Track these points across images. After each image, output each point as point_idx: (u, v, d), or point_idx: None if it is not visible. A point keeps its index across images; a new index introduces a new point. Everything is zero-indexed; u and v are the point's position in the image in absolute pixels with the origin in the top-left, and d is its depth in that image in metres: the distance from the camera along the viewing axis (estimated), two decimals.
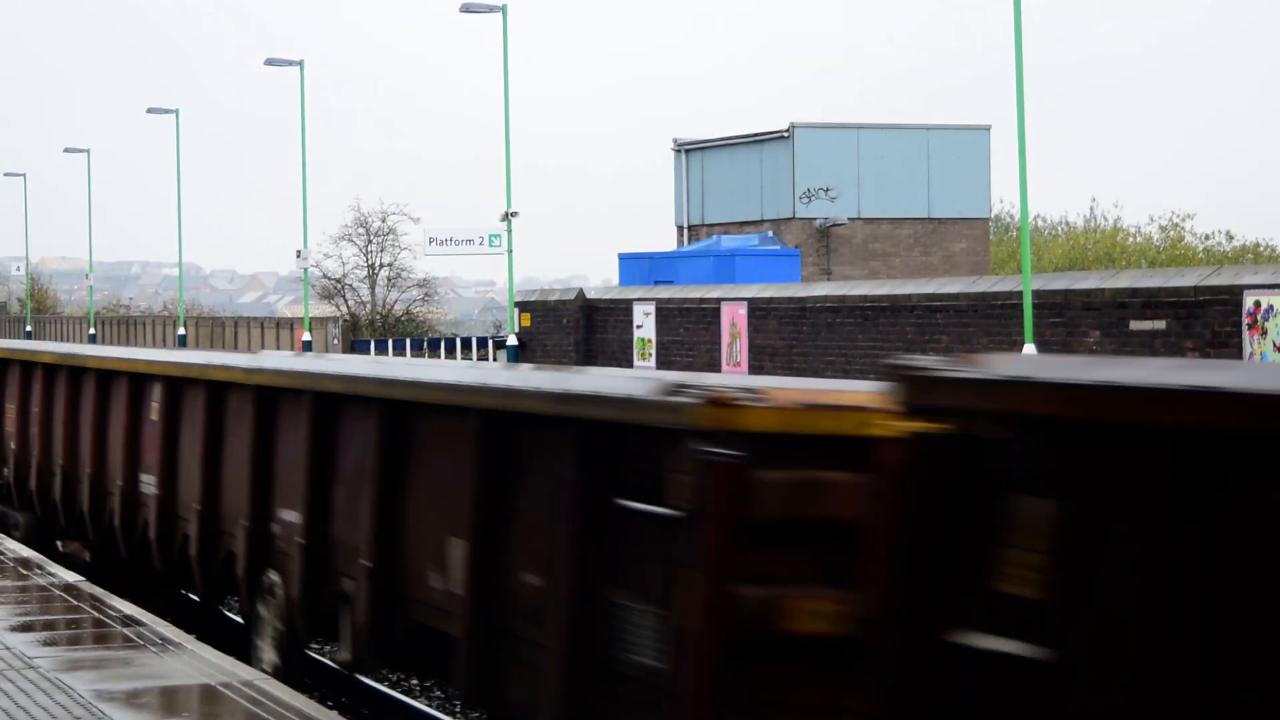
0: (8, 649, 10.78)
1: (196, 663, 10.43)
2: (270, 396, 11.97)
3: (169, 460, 13.88)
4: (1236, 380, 4.54)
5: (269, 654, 11.68)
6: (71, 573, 14.01)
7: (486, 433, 9.07)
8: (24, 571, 13.98)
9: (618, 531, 7.91)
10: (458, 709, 11.86)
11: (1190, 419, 4.61)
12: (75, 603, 12.56)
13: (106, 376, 15.70)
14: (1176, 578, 4.57)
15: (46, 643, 11.06)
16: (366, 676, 12.07)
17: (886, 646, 5.33)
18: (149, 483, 14.28)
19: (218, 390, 13.02)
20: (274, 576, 11.64)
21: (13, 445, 18.32)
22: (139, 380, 14.77)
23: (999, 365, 5.32)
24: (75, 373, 16.55)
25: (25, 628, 11.56)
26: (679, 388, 7.39)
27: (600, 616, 7.95)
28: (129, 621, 11.75)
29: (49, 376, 17.36)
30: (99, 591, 13.05)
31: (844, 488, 7.16)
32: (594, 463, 8.10)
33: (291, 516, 11.42)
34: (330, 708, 9.47)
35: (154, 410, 14.30)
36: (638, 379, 8.06)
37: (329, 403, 11.08)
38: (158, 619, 11.97)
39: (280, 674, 10.99)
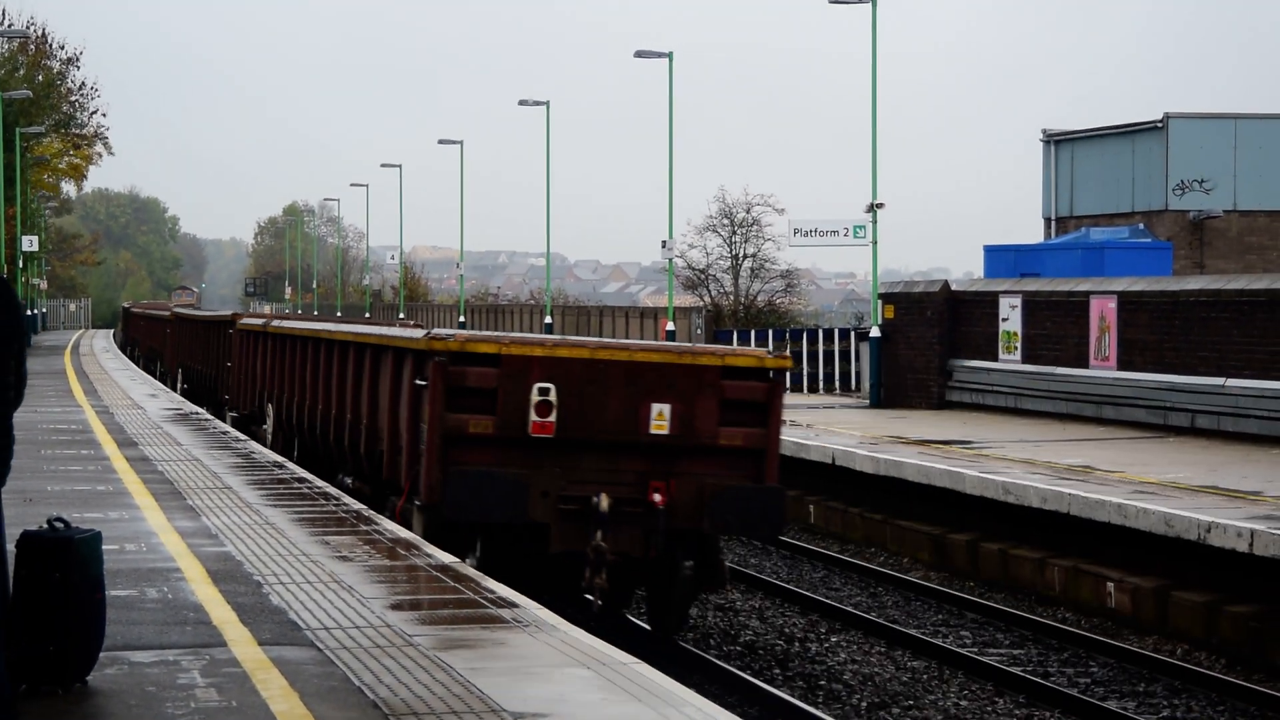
0: (388, 626, 11.09)
1: (567, 645, 10.59)
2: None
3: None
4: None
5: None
6: (446, 554, 14.35)
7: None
8: (401, 552, 14.36)
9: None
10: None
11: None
12: (450, 583, 12.84)
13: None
14: None
15: (423, 621, 11.32)
16: None
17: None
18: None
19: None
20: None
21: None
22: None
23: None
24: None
25: (399, 606, 11.86)
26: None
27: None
28: (503, 603, 11.97)
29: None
30: (472, 573, 13.33)
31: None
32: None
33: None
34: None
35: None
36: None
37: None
38: (532, 602, 12.17)
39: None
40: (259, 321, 29.55)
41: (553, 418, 16.36)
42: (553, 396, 16.37)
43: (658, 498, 16.31)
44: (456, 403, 16.53)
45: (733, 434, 16.63)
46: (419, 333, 18.16)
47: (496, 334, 19.21)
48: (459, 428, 16.48)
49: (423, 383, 16.98)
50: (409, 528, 16.78)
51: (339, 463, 21.71)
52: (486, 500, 16.23)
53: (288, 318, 33.39)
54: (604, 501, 16.14)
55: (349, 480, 20.77)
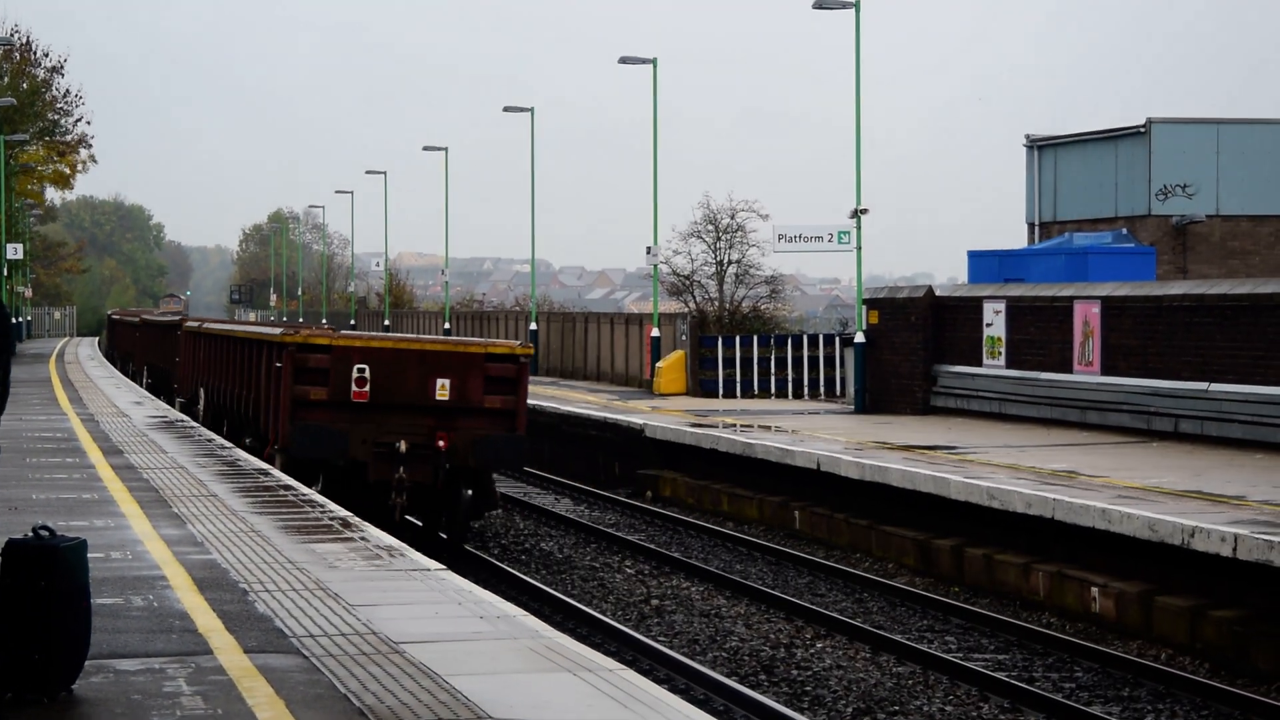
0: (374, 633, 11.09)
1: (553, 652, 10.61)
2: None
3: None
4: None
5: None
6: (431, 561, 14.37)
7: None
8: (387, 558, 14.36)
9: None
10: None
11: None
12: (437, 589, 12.84)
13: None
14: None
15: (409, 628, 11.33)
16: None
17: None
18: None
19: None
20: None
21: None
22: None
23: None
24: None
25: (385, 613, 11.85)
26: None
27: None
28: (492, 611, 11.98)
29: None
30: (461, 581, 13.34)
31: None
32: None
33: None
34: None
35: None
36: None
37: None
38: (520, 610, 12.18)
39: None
40: (196, 324, 37.67)
41: (368, 389, 23.49)
42: (368, 374, 23.53)
43: (441, 443, 23.50)
44: (301, 378, 23.65)
45: (493, 399, 23.80)
46: (279, 329, 25.33)
47: (330, 330, 25.77)
48: (303, 395, 23.64)
49: (279, 365, 23.97)
50: (274, 466, 22.94)
51: (243, 428, 28.19)
52: (322, 445, 23.43)
53: (216, 321, 42.78)
54: (404, 446, 23.36)
55: (248, 440, 27.05)
